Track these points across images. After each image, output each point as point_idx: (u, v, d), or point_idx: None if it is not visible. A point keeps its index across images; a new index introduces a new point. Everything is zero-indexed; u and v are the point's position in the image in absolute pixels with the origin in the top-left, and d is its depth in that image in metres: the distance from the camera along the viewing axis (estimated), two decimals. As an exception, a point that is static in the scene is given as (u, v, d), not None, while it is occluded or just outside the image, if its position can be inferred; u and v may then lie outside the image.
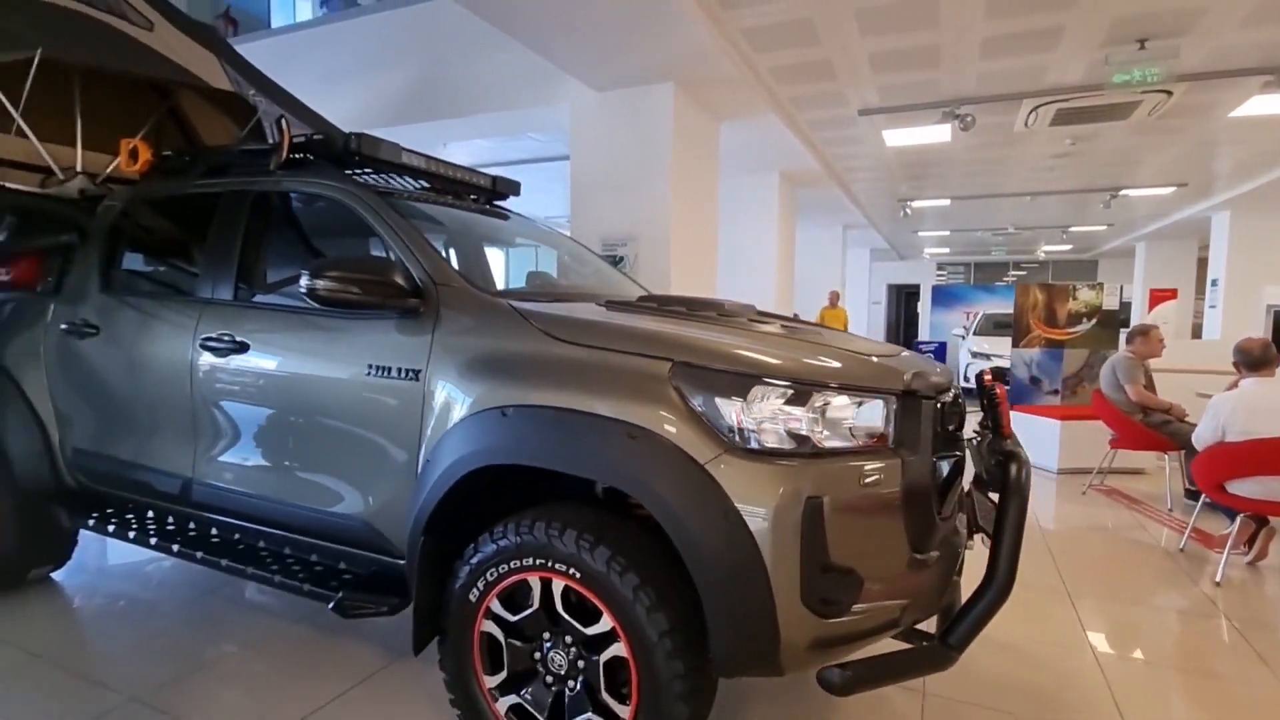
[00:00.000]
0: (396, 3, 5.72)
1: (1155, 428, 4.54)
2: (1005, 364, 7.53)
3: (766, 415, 1.54)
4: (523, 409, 1.69)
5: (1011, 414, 5.72)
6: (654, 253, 4.58)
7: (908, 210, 9.57)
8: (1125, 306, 13.86)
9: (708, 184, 5.20)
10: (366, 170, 2.66)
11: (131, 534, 2.49)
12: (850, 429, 1.59)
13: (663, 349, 1.64)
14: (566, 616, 1.64)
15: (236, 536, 2.41)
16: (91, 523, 2.61)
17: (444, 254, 2.79)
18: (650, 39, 3.80)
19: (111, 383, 2.59)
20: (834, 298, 10.38)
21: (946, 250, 17.73)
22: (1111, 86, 4.07)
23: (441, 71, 5.55)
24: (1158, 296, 8.68)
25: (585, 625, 1.62)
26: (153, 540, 2.44)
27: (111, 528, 2.54)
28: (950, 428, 1.88)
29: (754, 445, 1.52)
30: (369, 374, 1.98)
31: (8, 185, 2.85)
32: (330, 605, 1.98)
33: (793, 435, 1.54)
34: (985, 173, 7.58)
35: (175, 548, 2.38)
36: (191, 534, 2.48)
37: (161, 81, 3.50)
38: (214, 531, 2.45)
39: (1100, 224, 11.77)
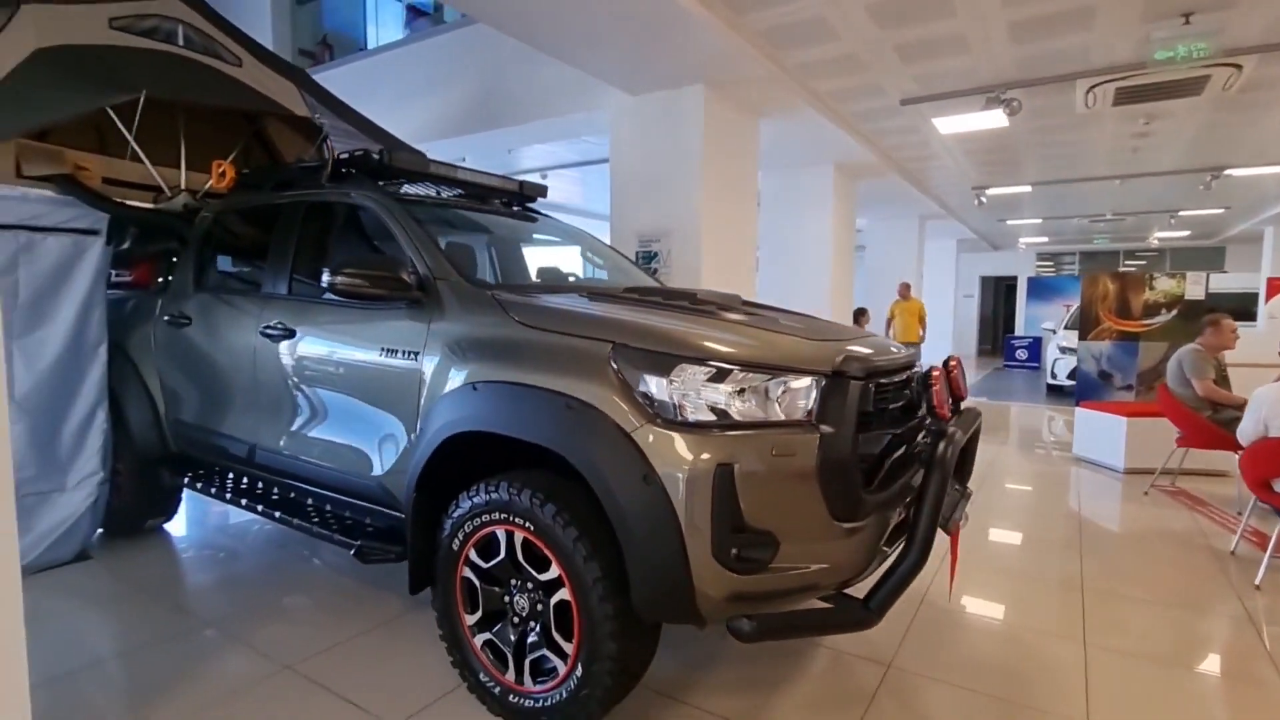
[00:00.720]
0: (462, 23, 6.20)
1: (1224, 425, 4.23)
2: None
3: (689, 390, 1.73)
4: (489, 384, 1.96)
5: (1083, 411, 5.40)
6: (686, 248, 4.76)
7: (983, 199, 9.12)
8: (1252, 297, 12.51)
9: (744, 180, 5.30)
10: (401, 180, 3.01)
11: (213, 491, 3.00)
12: (772, 404, 1.75)
13: (606, 332, 1.86)
14: (525, 564, 1.90)
15: (292, 495, 2.84)
16: (186, 481, 3.15)
17: (478, 254, 3.13)
18: (672, 46, 3.98)
19: (199, 364, 3.11)
20: (904, 290, 10.00)
21: (1044, 239, 16.56)
22: (1154, 64, 3.81)
23: (500, 83, 5.97)
24: (1275, 285, 7.82)
25: (539, 572, 1.87)
26: (228, 496, 2.93)
27: (200, 485, 3.06)
28: (890, 408, 1.98)
29: (676, 417, 1.71)
30: (381, 355, 2.32)
31: (129, 203, 3.44)
32: (352, 552, 2.35)
33: (712, 409, 1.72)
34: (1060, 157, 7.14)
35: (244, 502, 2.85)
36: (258, 492, 2.94)
37: (249, 110, 4.07)
38: (275, 490, 2.91)
39: (1215, 207, 10.69)
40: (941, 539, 2.03)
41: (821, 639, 2.52)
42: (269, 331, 2.73)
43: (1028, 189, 8.99)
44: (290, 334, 2.67)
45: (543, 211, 3.58)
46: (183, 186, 3.70)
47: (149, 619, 2.66)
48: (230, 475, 3.13)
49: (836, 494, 1.74)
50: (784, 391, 1.76)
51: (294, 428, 2.68)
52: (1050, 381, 10.79)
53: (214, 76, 3.77)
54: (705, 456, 1.65)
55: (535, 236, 3.40)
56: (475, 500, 1.96)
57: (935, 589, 2.94)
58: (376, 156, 2.83)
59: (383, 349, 2.32)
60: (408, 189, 3.03)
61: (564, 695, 1.83)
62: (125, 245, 3.56)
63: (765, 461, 1.68)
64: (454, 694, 2.12)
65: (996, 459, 5.79)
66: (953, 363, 2.27)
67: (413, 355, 2.22)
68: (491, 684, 1.99)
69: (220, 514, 3.99)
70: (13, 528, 1.51)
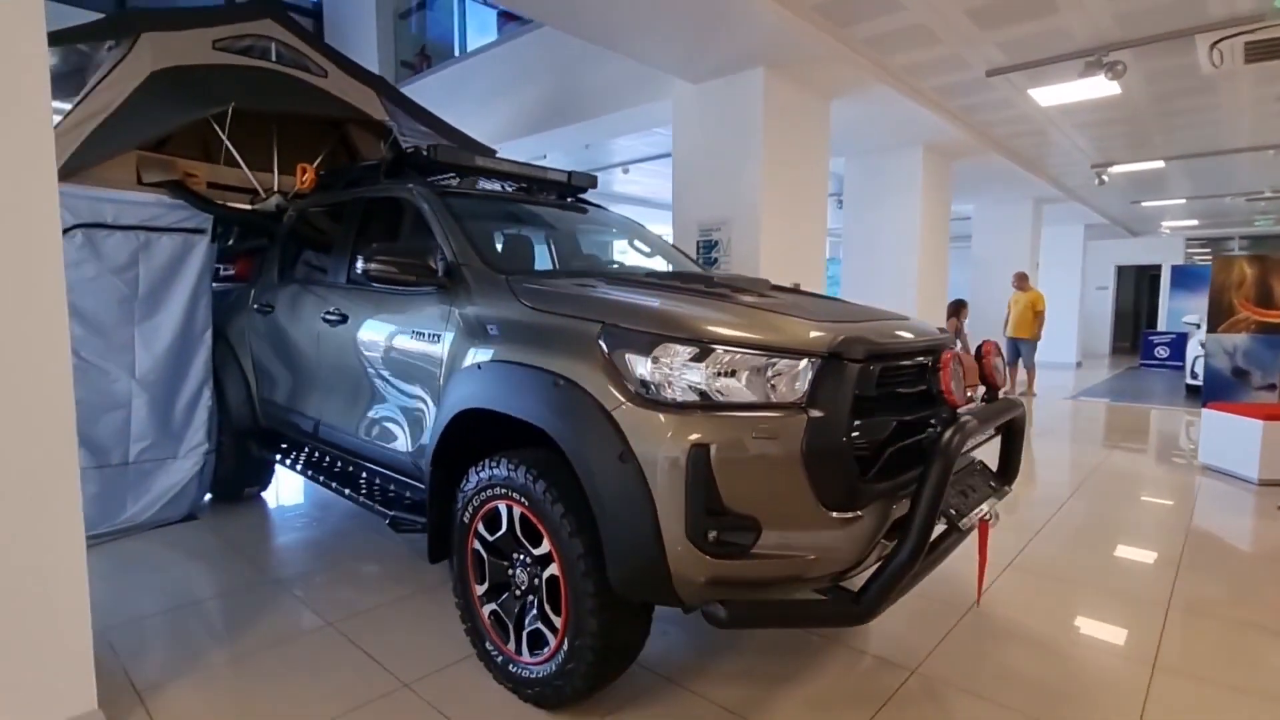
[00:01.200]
0: (533, 26, 6.41)
1: (1382, 432, 3.59)
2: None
3: (672, 370, 1.71)
4: (491, 364, 2.04)
5: (1210, 413, 4.79)
6: (745, 236, 4.65)
7: (1104, 178, 8.20)
8: None
9: (812, 164, 5.09)
10: (450, 174, 3.16)
11: (288, 462, 3.31)
12: (760, 386, 1.69)
13: (598, 312, 1.88)
14: (523, 539, 1.96)
15: (350, 468, 3.09)
16: (269, 453, 3.49)
17: (535, 245, 3.24)
18: (724, 30, 3.89)
19: (279, 348, 3.43)
20: (1019, 280, 9.17)
21: (1193, 222, 14.62)
22: (1274, 13, 3.24)
23: (571, 80, 6.11)
24: None
25: (534, 547, 1.93)
26: (298, 467, 3.23)
27: (278, 457, 3.40)
28: (901, 392, 1.86)
29: (658, 396, 1.70)
30: (412, 337, 2.47)
31: (230, 205, 3.85)
32: (386, 521, 2.52)
33: (694, 389, 1.69)
34: (1191, 125, 6.25)
35: (309, 473, 3.12)
36: (323, 464, 3.21)
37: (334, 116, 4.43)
38: (337, 463, 3.17)
39: None
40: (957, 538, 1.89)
41: (850, 638, 2.40)
42: (328, 317, 2.98)
43: (1160, 164, 7.99)
44: (344, 319, 2.89)
45: (593, 202, 3.65)
46: (275, 189, 4.09)
47: (232, 572, 2.99)
48: (304, 449, 3.44)
49: (826, 481, 1.66)
50: (772, 373, 1.71)
51: (346, 405, 2.91)
52: (1190, 382, 9.58)
53: (302, 87, 4.14)
54: (682, 436, 1.63)
55: (582, 227, 3.46)
56: (481, 475, 2.04)
57: (988, 596, 2.72)
58: (425, 153, 3.00)
59: (414, 332, 2.47)
60: (481, 184, 3.18)
61: (553, 668, 1.88)
62: (229, 243, 3.99)
63: (746, 444, 1.64)
64: (465, 661, 2.23)
65: (1104, 465, 5.23)
66: (986, 349, 2.09)
67: (436, 338, 2.35)
68: (495, 653, 2.07)
69: (311, 485, 4.39)
70: (76, 497, 1.75)
